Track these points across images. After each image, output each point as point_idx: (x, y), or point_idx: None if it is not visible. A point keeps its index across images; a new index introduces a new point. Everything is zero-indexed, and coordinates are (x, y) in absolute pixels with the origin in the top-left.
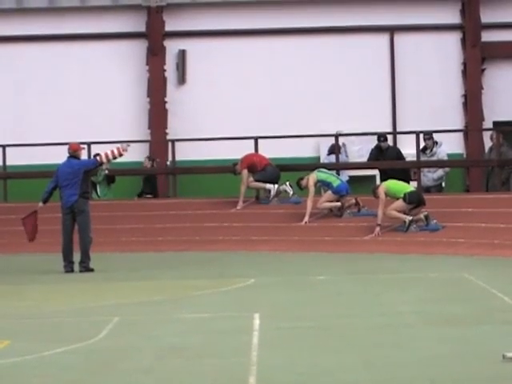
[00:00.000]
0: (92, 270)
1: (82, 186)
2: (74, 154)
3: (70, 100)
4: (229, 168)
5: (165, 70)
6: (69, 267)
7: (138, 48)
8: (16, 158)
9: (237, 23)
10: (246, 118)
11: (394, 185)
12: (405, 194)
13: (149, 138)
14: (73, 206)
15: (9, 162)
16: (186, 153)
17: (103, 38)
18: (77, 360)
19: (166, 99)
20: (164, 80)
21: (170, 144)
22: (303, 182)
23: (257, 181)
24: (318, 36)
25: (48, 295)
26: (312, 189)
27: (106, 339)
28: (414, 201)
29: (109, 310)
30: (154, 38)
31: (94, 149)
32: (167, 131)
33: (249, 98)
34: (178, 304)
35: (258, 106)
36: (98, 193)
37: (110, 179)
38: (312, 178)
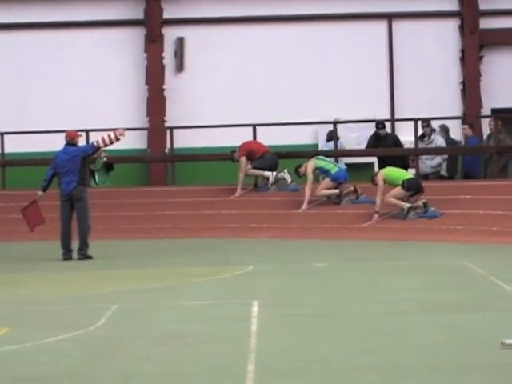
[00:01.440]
0: (90, 258)
1: (80, 173)
2: (71, 141)
3: (68, 87)
4: (227, 155)
5: (163, 58)
6: (67, 255)
7: (137, 35)
8: (15, 146)
9: (235, 10)
10: (245, 105)
11: (393, 172)
12: (403, 181)
13: (147, 125)
14: (71, 194)
15: (8, 150)
16: (184, 140)
17: (101, 25)
18: (76, 347)
19: (164, 86)
20: (162, 67)
21: (168, 131)
22: (301, 170)
23: (255, 168)
24: (316, 23)
25: (47, 283)
26: (310, 176)
27: (105, 327)
28: (413, 188)
29: (108, 298)
30: (153, 26)
31: (93, 136)
32: (165, 118)
33: (247, 85)
34: (176, 291)
35: (256, 94)
36: (97, 180)
37: (108, 167)
38: (310, 165)
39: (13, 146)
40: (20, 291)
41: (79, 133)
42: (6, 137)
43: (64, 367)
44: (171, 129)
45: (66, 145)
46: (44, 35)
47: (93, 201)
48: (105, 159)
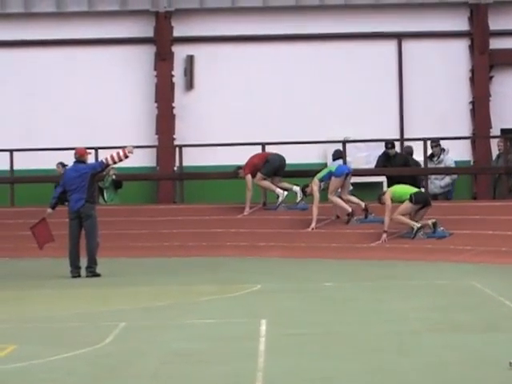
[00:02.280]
0: (99, 275)
1: (88, 190)
2: (80, 158)
3: (77, 105)
4: (236, 174)
5: (173, 76)
6: (75, 272)
7: (146, 53)
8: (24, 163)
9: (245, 29)
10: (254, 123)
11: (400, 189)
12: (411, 195)
13: (156, 143)
14: (79, 211)
15: (17, 167)
16: (193, 158)
17: (111, 43)
18: (83, 365)
19: (174, 104)
20: (172, 85)
21: (177, 149)
22: (308, 190)
23: (265, 175)
24: (325, 42)
25: (54, 300)
26: (317, 194)
27: (112, 344)
28: (421, 201)
29: (115, 316)
30: (162, 44)
31: (102, 154)
32: (175, 136)
33: (256, 103)
34: (184, 310)
35: (265, 112)
36: (105, 198)
37: (117, 184)
38: (315, 183)
39: (22, 162)
40: (27, 308)
41: (88, 150)
42: (15, 154)
43: None
44: (180, 147)
45: (75, 162)
46: (53, 52)
47: (101, 218)
48: (113, 177)
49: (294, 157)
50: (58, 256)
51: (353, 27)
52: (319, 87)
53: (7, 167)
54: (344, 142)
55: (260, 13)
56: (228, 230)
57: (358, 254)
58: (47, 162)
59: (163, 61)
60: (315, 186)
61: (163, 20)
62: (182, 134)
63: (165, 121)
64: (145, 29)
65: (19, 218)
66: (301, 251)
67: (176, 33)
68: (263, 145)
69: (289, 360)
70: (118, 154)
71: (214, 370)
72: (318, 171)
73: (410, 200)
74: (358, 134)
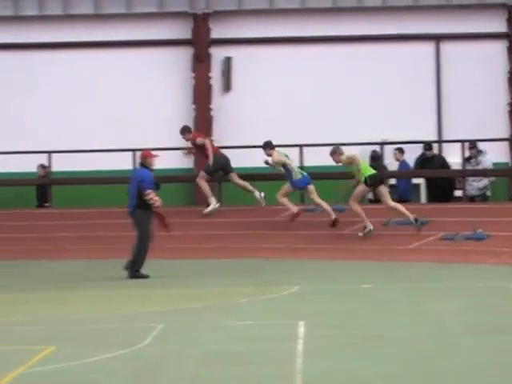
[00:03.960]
0: (142, 277)
1: (137, 197)
2: (142, 161)
3: (115, 107)
4: (273, 175)
5: (210, 77)
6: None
7: (184, 55)
8: (63, 164)
9: (282, 30)
10: (291, 125)
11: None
12: (365, 178)
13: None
14: (130, 215)
15: (55, 168)
16: (231, 160)
17: (149, 44)
18: (122, 367)
19: (211, 106)
20: (209, 87)
21: None
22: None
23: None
24: (364, 44)
25: (93, 301)
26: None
27: (151, 346)
28: (375, 182)
29: (154, 317)
30: (200, 45)
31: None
32: (212, 138)
33: (294, 105)
34: (223, 311)
35: (302, 114)
36: None
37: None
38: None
39: (60, 164)
40: (67, 309)
41: (155, 153)
42: (53, 155)
43: None
44: (219, 148)
45: (140, 164)
46: (91, 54)
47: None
48: None
49: (331, 159)
50: (96, 258)
51: (390, 29)
52: (357, 89)
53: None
54: (382, 144)
55: (297, 14)
56: (266, 232)
57: (395, 256)
58: (85, 164)
59: (201, 63)
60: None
61: (201, 22)
62: (220, 135)
63: (202, 122)
64: (182, 31)
65: (58, 220)
66: (339, 253)
67: (214, 34)
68: (300, 146)
69: (327, 362)
70: (155, 200)
71: (252, 372)
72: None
73: (365, 183)
74: (396, 136)
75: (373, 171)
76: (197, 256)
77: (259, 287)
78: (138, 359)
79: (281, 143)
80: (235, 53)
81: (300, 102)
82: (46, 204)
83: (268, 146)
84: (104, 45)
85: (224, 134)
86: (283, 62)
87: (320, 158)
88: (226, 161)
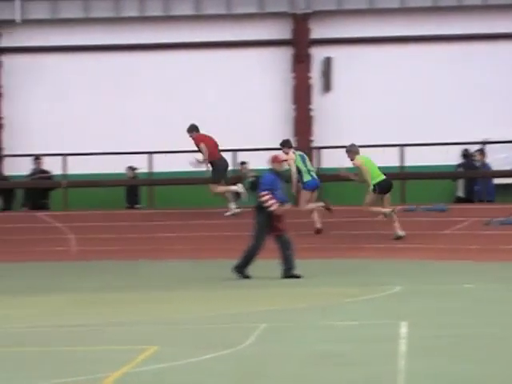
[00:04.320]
0: (248, 277)
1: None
2: (271, 165)
3: (214, 107)
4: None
5: (310, 77)
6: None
7: (284, 55)
8: (164, 166)
9: (382, 30)
10: (392, 125)
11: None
12: (374, 186)
13: (294, 145)
14: None
15: (156, 169)
16: (331, 160)
17: (249, 45)
18: (225, 366)
19: (312, 106)
20: (309, 87)
21: (315, 151)
22: None
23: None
24: (464, 43)
25: (196, 301)
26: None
27: (253, 346)
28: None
29: (256, 317)
30: (300, 46)
31: (240, 156)
32: (312, 138)
33: (394, 105)
34: (325, 311)
35: (403, 113)
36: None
37: (254, 186)
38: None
39: (161, 165)
40: (169, 310)
41: (284, 157)
42: (154, 156)
43: None
44: (318, 149)
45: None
46: (192, 55)
47: (242, 220)
48: (252, 179)
49: (431, 158)
50: (198, 258)
51: (493, 27)
52: (458, 88)
53: (146, 169)
54: (483, 143)
55: (397, 14)
56: (368, 231)
57: (498, 256)
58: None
59: (300, 63)
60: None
61: (301, 22)
62: (320, 135)
63: (302, 123)
64: (282, 31)
65: (159, 220)
66: (440, 253)
67: (314, 35)
68: (401, 146)
69: (430, 362)
70: (265, 201)
71: (355, 372)
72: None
73: (374, 190)
74: (497, 135)
75: (382, 177)
76: (300, 256)
77: (361, 287)
78: (241, 359)
79: (381, 143)
80: (335, 53)
81: (400, 101)
82: (137, 205)
83: (286, 145)
84: (204, 45)
85: (324, 134)
86: (383, 61)
87: (420, 158)
88: (226, 166)
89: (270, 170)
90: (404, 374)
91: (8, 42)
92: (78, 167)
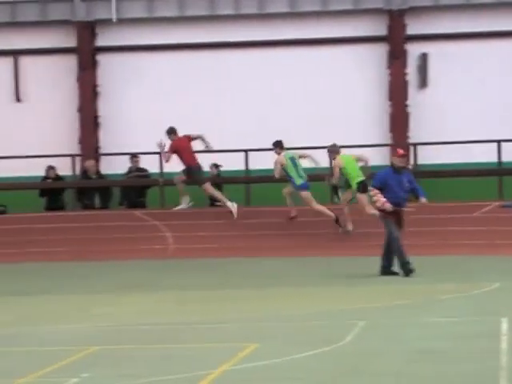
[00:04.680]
0: (392, 273)
1: None
2: (391, 158)
3: (310, 104)
4: (471, 171)
5: (406, 74)
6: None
7: (379, 52)
8: (261, 163)
9: (478, 25)
10: (489, 121)
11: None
12: (358, 185)
13: (389, 141)
14: None
15: (252, 166)
16: (427, 157)
17: (345, 41)
18: (325, 363)
19: (408, 102)
20: (405, 83)
21: (412, 148)
22: None
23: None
24: None
25: (295, 298)
26: None
27: (352, 343)
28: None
29: (355, 314)
30: (396, 42)
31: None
32: (409, 135)
33: (491, 100)
34: (424, 308)
35: (500, 109)
36: (339, 196)
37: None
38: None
39: (258, 163)
40: (269, 307)
41: (402, 152)
42: (249, 154)
43: (315, 382)
44: (415, 145)
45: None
46: (286, 52)
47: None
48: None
49: None
50: (293, 255)
51: None
52: None
53: (242, 167)
54: None
55: (492, 9)
56: (465, 228)
57: None
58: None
59: (396, 59)
60: None
61: (397, 18)
62: (417, 132)
63: (399, 119)
64: (378, 27)
65: (254, 218)
66: None
67: (409, 31)
68: (498, 142)
69: None
70: (374, 195)
71: (456, 369)
72: None
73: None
74: None
75: (362, 177)
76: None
77: (459, 284)
78: (341, 356)
79: (479, 139)
80: (431, 49)
81: (497, 97)
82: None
83: (278, 146)
84: (299, 42)
85: (420, 130)
86: (479, 57)
87: None
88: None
89: (390, 166)
90: (506, 370)
91: (104, 41)
92: (173, 165)
